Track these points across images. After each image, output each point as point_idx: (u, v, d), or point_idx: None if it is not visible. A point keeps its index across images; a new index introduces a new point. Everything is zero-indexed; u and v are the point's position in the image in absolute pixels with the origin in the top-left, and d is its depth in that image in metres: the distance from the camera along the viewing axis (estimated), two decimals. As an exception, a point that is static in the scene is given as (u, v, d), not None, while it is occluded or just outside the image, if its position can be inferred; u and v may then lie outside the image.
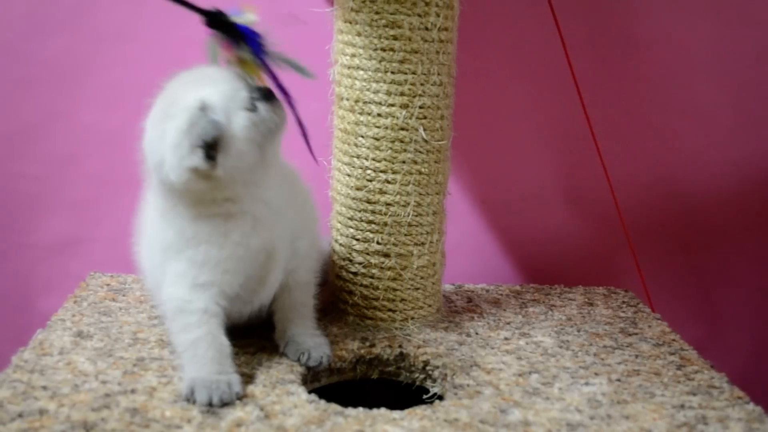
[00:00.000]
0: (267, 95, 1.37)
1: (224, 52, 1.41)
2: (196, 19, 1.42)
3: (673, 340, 1.64)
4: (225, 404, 1.28)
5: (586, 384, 1.42)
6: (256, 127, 1.34)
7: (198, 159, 1.29)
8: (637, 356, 1.55)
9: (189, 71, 1.39)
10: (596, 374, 1.46)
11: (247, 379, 1.37)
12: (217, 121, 1.29)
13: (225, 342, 1.37)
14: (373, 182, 1.61)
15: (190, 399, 1.29)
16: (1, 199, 2.03)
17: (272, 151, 1.40)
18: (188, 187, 1.33)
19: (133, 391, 1.31)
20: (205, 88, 1.33)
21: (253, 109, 1.34)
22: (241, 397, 1.30)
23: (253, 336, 1.56)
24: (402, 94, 1.57)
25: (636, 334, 1.67)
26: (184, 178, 1.30)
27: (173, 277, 1.39)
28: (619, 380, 1.44)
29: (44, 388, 1.31)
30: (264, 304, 1.53)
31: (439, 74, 1.59)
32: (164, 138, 1.30)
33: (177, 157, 1.29)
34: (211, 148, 1.29)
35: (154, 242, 1.46)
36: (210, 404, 1.27)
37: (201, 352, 1.34)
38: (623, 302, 1.86)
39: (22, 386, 1.31)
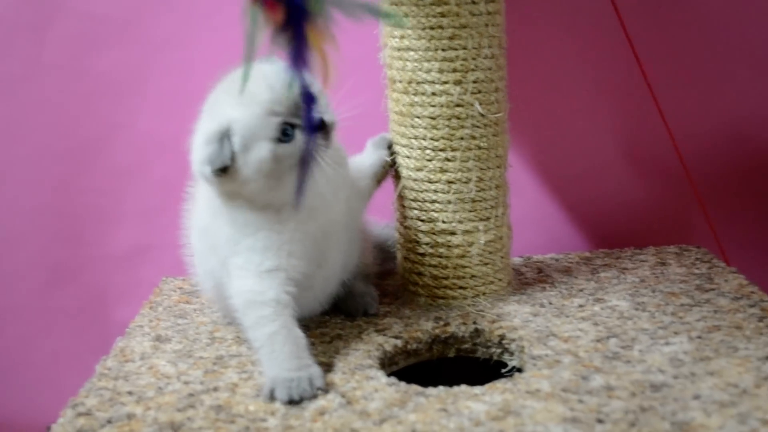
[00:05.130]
0: (316, 126, 1.32)
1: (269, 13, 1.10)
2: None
3: (752, 292, 1.61)
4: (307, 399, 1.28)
5: (667, 344, 1.40)
6: (275, 161, 1.34)
7: (208, 172, 1.34)
8: (716, 312, 1.53)
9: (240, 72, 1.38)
10: (676, 333, 1.44)
11: (326, 367, 1.38)
12: (228, 152, 1.33)
13: (300, 334, 1.37)
14: (433, 161, 1.61)
15: (271, 398, 1.29)
16: (71, 214, 2.07)
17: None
18: (214, 186, 1.40)
19: (215, 389, 1.33)
20: (239, 108, 1.34)
21: (284, 138, 1.34)
22: (325, 390, 1.30)
23: (327, 325, 1.57)
24: (454, 70, 1.57)
25: (713, 289, 1.64)
26: (199, 177, 1.39)
27: (237, 271, 1.41)
28: (699, 337, 1.42)
29: (130, 393, 1.33)
30: (323, 290, 1.55)
31: (489, 47, 1.58)
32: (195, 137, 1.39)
33: (195, 160, 1.38)
34: (222, 171, 1.34)
35: (208, 243, 1.49)
36: (291, 402, 1.27)
37: (278, 347, 1.34)
38: (696, 259, 1.83)
39: (108, 393, 1.34)
